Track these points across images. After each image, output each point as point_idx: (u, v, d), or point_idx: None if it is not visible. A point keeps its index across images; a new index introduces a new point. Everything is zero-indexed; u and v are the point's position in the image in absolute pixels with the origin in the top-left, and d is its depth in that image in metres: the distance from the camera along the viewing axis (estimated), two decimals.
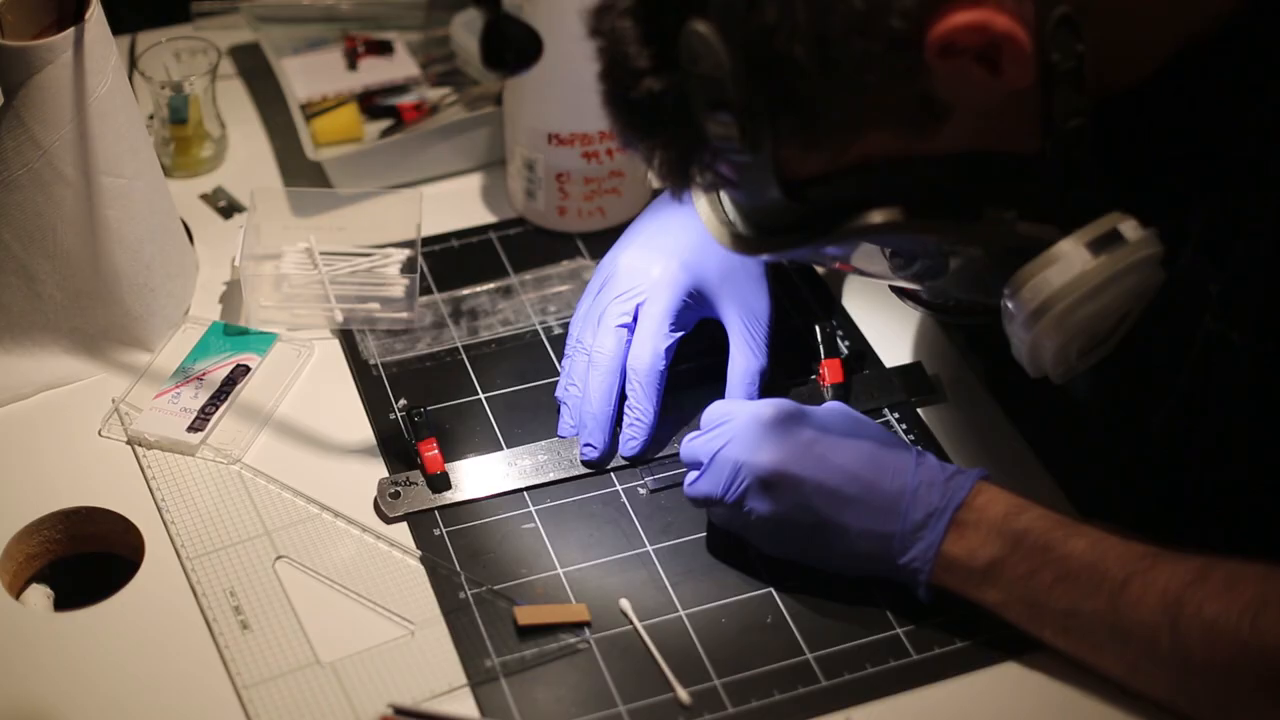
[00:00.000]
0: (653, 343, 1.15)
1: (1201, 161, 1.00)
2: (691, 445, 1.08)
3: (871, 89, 0.86)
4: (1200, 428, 1.04)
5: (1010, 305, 0.94)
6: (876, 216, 0.90)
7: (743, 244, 0.96)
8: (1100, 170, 0.96)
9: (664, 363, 1.15)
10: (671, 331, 1.15)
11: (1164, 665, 0.96)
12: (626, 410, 1.15)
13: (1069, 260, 0.91)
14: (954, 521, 1.00)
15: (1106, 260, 0.91)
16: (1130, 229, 0.92)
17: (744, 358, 1.17)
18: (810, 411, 1.07)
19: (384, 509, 1.12)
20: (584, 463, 1.15)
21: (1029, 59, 0.86)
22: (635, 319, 1.16)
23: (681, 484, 1.14)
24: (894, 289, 1.07)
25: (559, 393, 1.19)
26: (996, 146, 0.90)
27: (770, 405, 1.06)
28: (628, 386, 1.15)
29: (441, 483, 1.13)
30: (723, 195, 0.97)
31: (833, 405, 1.09)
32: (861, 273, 1.04)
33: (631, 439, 1.15)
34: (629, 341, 1.16)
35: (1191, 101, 0.96)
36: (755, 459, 1.03)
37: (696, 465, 1.07)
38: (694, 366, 1.20)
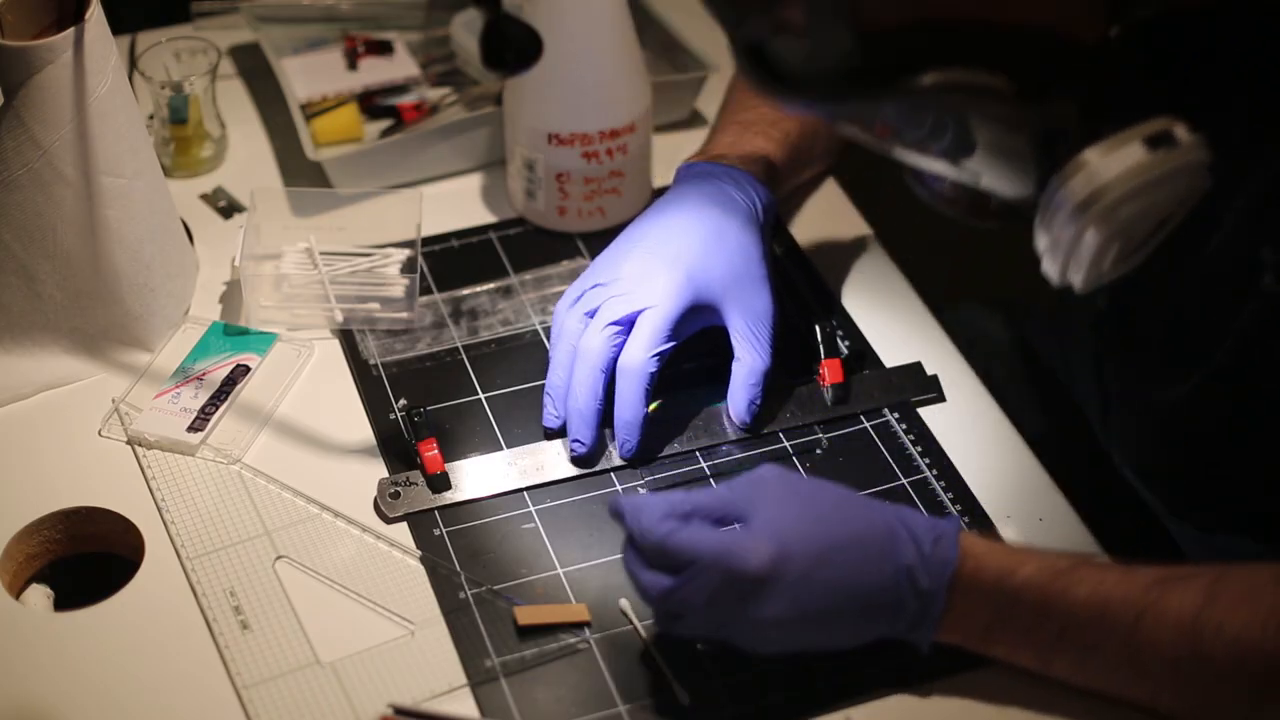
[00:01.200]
0: (647, 348, 1.14)
1: (1259, 86, 0.99)
2: (670, 599, 0.98)
3: None
4: (1240, 394, 1.03)
5: (1057, 195, 0.92)
6: (951, 75, 0.87)
7: (793, 94, 0.91)
8: (1156, 72, 0.94)
9: (655, 368, 1.14)
10: (667, 340, 1.15)
11: (1188, 690, 0.95)
12: (617, 413, 1.15)
13: (1124, 152, 0.90)
14: (950, 590, 0.98)
15: (1161, 156, 0.90)
16: (1181, 132, 0.90)
17: (748, 358, 1.16)
18: (759, 529, 0.98)
19: (384, 509, 1.12)
20: (573, 459, 1.15)
21: None
22: (629, 321, 1.16)
23: (681, 484, 1.14)
24: (911, 177, 1.04)
25: (547, 383, 1.18)
26: (1062, 27, 0.89)
27: (727, 552, 0.96)
28: (618, 387, 1.15)
29: (441, 483, 1.13)
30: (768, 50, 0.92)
31: (771, 494, 1.00)
32: (885, 141, 1.00)
33: (625, 441, 1.15)
34: (620, 343, 1.15)
35: (1259, 25, 0.95)
36: (745, 614, 0.97)
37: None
38: (696, 367, 1.20)
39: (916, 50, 0.87)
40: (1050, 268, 0.96)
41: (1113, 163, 0.90)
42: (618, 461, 1.15)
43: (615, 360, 1.15)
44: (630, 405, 1.14)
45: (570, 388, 1.15)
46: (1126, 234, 0.93)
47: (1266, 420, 1.03)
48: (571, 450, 1.15)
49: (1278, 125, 0.99)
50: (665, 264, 1.16)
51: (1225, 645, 0.93)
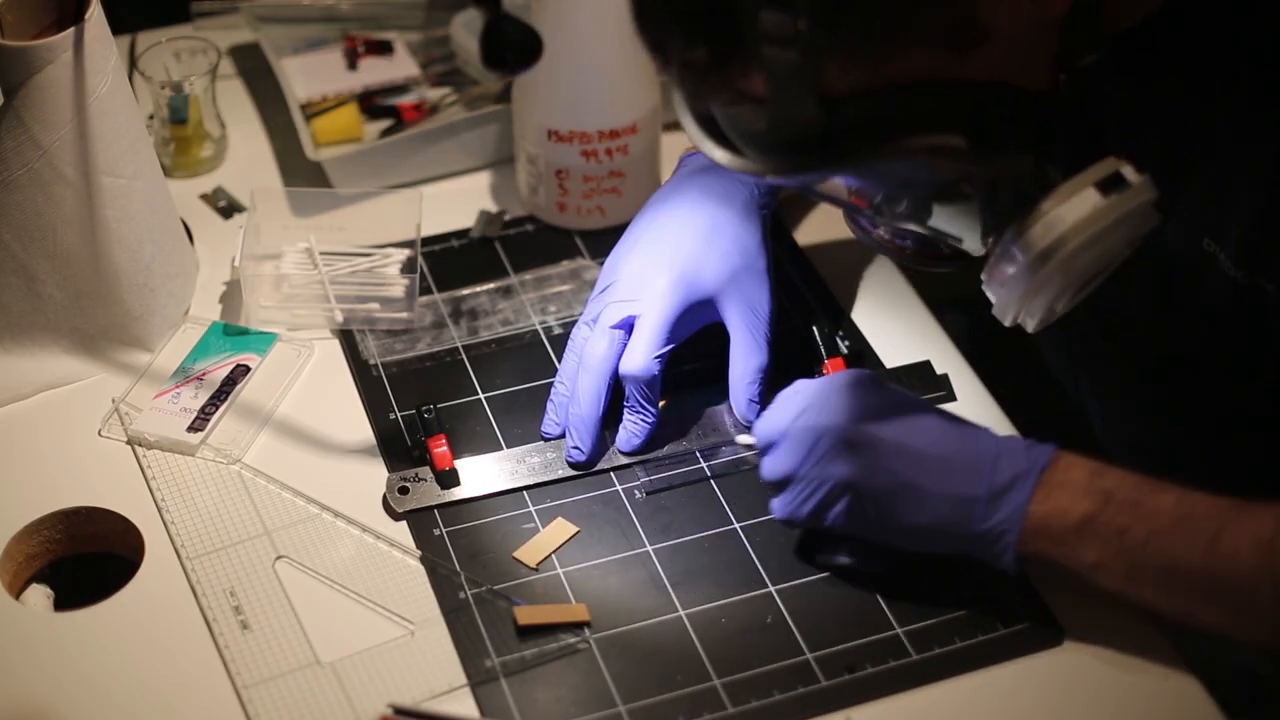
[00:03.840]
0: (646, 350, 1.13)
1: (1197, 103, 1.00)
2: (765, 423, 1.06)
3: (930, 1, 0.85)
4: (1226, 376, 1.05)
5: (1015, 245, 0.94)
6: (912, 137, 0.88)
7: (753, 165, 0.92)
8: (1100, 113, 0.95)
9: (658, 368, 1.14)
10: (666, 342, 1.15)
11: (1266, 613, 0.95)
12: (628, 411, 1.15)
13: (1080, 199, 0.91)
14: (1039, 483, 0.98)
15: (1116, 200, 0.91)
16: (1130, 172, 0.92)
17: (745, 355, 1.16)
18: (884, 383, 1.06)
19: (393, 504, 1.12)
20: (570, 464, 1.15)
21: None
22: (628, 325, 1.16)
23: (681, 485, 1.14)
24: (856, 226, 1.07)
25: (551, 391, 1.18)
26: (1014, 79, 0.90)
27: (846, 373, 1.06)
28: (626, 391, 1.15)
29: (450, 479, 1.13)
30: (721, 122, 0.93)
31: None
32: (851, 207, 1.02)
33: (633, 436, 1.15)
34: (621, 346, 1.15)
35: (1190, 41, 0.97)
36: (834, 421, 1.02)
37: (769, 444, 1.05)
38: (695, 367, 1.20)
39: (876, 114, 0.88)
40: (1003, 313, 0.98)
41: (1069, 211, 0.92)
42: (618, 461, 1.16)
43: (617, 365, 1.15)
44: (637, 409, 1.15)
45: (573, 395, 1.15)
46: (1081, 279, 0.94)
47: (1255, 402, 1.04)
48: (569, 456, 1.15)
49: (1214, 143, 1.01)
50: (660, 265, 1.16)
51: None
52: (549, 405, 1.17)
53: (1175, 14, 0.97)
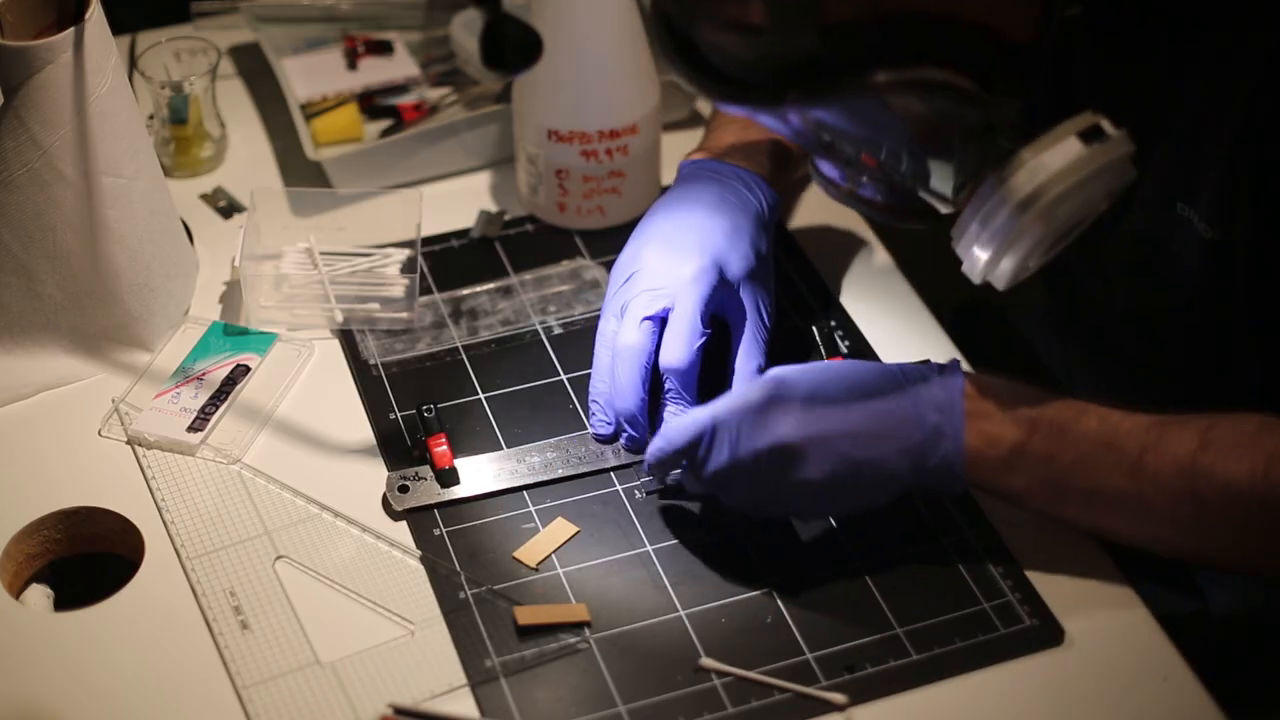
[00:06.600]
0: (687, 341, 1.13)
1: (1165, 62, 1.02)
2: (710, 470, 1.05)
3: None
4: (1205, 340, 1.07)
5: (996, 193, 0.94)
6: (907, 72, 0.88)
7: (746, 95, 0.91)
8: (1075, 70, 0.95)
9: (698, 359, 1.14)
10: (702, 332, 1.14)
11: (1186, 531, 0.98)
12: (670, 402, 1.15)
13: (1061, 148, 0.92)
14: (967, 413, 1.00)
15: (1098, 149, 0.92)
16: (1108, 125, 0.93)
17: (746, 356, 1.16)
18: (782, 377, 1.05)
19: (392, 503, 1.12)
20: (628, 450, 1.15)
21: None
22: (661, 315, 1.15)
23: (680, 487, 1.14)
24: (824, 180, 1.06)
25: (591, 390, 1.18)
26: (1004, 28, 0.90)
27: (754, 390, 1.04)
28: (666, 384, 1.15)
29: (450, 478, 1.13)
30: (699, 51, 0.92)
31: (795, 369, 1.07)
32: (825, 146, 1.02)
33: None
34: (655, 334, 1.15)
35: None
36: (771, 438, 1.01)
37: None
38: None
39: (873, 46, 0.88)
40: (974, 267, 0.97)
41: (1052, 159, 0.92)
42: (617, 460, 1.15)
43: (653, 355, 1.14)
44: (678, 399, 1.15)
45: (616, 388, 1.15)
46: (1060, 229, 0.94)
47: (1240, 360, 1.05)
48: (624, 444, 1.15)
49: (1183, 99, 1.02)
50: (686, 253, 1.16)
51: (1219, 490, 0.95)
52: (593, 405, 1.17)
53: None
